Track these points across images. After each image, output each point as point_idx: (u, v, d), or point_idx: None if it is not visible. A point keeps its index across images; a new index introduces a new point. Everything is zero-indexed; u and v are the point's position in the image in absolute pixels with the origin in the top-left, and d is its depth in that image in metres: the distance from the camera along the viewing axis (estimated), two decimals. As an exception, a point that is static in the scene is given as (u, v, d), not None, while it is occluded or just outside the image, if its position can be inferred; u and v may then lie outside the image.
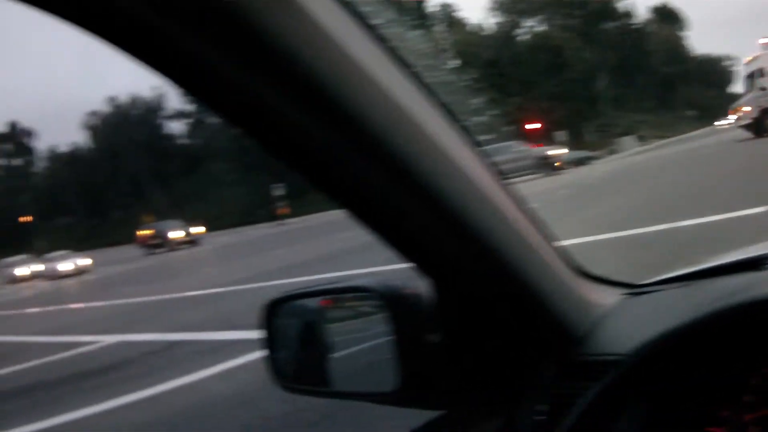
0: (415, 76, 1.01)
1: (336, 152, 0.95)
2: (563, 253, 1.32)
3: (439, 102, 1.05)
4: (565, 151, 41.18)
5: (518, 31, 79.22)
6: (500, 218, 1.14)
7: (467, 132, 1.10)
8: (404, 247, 1.15)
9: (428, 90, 1.03)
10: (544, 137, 44.98)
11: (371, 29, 0.93)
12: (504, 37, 75.93)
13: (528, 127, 48.17)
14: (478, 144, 1.12)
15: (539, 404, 1.24)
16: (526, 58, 70.50)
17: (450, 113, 1.07)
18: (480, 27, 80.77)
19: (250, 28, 0.77)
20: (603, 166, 34.41)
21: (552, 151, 39.17)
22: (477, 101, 32.66)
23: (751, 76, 30.92)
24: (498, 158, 32.57)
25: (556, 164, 37.44)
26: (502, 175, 1.18)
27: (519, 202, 1.20)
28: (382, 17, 0.98)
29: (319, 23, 0.83)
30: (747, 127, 30.12)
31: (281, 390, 1.47)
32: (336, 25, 0.86)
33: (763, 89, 29.40)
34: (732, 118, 32.71)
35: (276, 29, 0.79)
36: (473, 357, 1.26)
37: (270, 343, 1.46)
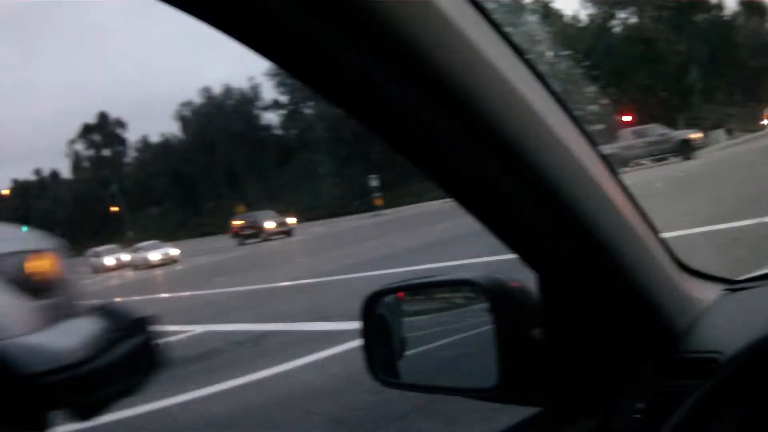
0: (528, 63, 0.99)
1: (448, 138, 0.94)
2: (667, 247, 1.29)
3: (551, 90, 1.03)
4: (702, 134, 40.37)
5: (611, 23, 78.49)
6: (609, 209, 1.12)
7: (578, 121, 1.08)
8: (511, 237, 1.14)
9: (541, 78, 1.01)
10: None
11: (486, 15, 0.92)
12: (597, 29, 75.27)
13: (622, 118, 47.53)
14: (589, 133, 1.09)
15: (638, 401, 1.21)
16: (619, 50, 69.72)
17: (561, 102, 1.05)
18: (576, 19, 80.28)
19: (372, 12, 0.76)
20: (696, 160, 33.53)
21: (692, 135, 38.52)
22: (589, 90, 32.40)
23: None
24: (641, 140, 32.89)
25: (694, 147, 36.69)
26: (610, 164, 1.16)
27: (627, 192, 1.18)
28: (494, 1, 0.96)
29: (438, 7, 0.82)
30: None
31: (379, 385, 1.45)
32: (453, 7, 0.85)
33: None
34: (765, 122, 31.20)
35: (396, 13, 0.78)
36: (574, 352, 1.24)
37: (367, 335, 1.45)
